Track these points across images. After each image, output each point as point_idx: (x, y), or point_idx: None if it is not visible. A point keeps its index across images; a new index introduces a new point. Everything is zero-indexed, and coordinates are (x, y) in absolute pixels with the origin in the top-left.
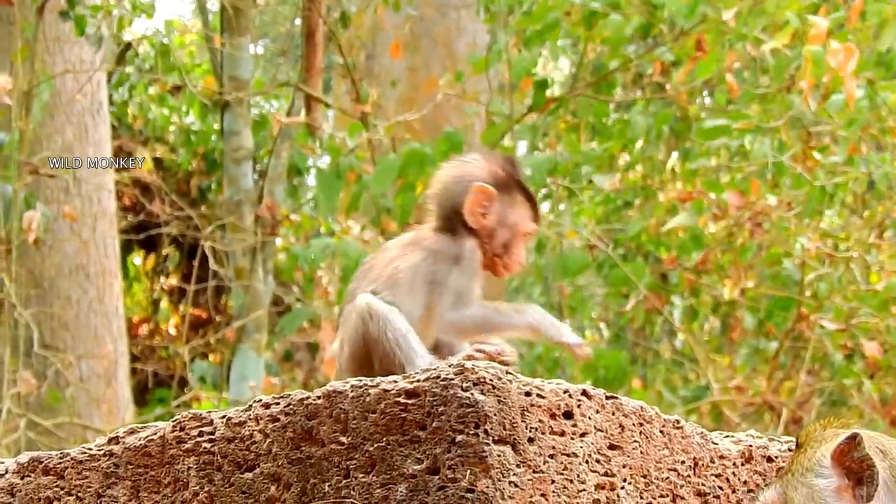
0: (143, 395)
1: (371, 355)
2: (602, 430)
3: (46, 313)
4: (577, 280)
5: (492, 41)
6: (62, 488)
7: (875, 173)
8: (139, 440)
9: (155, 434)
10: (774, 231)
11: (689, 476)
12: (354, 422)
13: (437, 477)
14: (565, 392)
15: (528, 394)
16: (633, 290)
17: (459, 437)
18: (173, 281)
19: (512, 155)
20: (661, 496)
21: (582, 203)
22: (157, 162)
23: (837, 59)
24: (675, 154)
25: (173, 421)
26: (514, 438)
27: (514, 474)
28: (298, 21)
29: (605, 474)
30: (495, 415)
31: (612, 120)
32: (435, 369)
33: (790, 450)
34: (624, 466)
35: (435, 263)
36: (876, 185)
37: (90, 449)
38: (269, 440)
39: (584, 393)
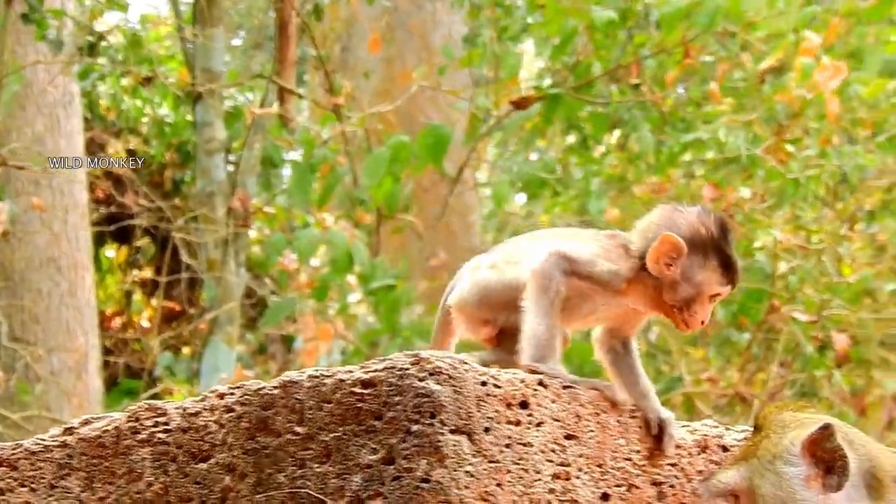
0: (114, 388)
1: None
2: (558, 420)
3: (16, 306)
4: None
5: (473, 35)
6: (15, 479)
7: (846, 166)
8: (94, 431)
9: (110, 425)
10: (747, 223)
11: (644, 465)
12: (310, 412)
13: (392, 467)
14: (521, 382)
15: (483, 383)
16: None
17: (415, 427)
18: (146, 273)
19: (727, 218)
20: (617, 485)
21: (559, 194)
22: (130, 153)
23: (824, 75)
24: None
25: (128, 412)
26: (470, 428)
27: (470, 464)
28: (272, 13)
29: (561, 464)
30: (451, 405)
31: (587, 112)
32: (391, 359)
33: (746, 439)
34: (580, 456)
35: (600, 256)
36: (848, 178)
37: (44, 440)
38: (224, 430)
39: (541, 383)
